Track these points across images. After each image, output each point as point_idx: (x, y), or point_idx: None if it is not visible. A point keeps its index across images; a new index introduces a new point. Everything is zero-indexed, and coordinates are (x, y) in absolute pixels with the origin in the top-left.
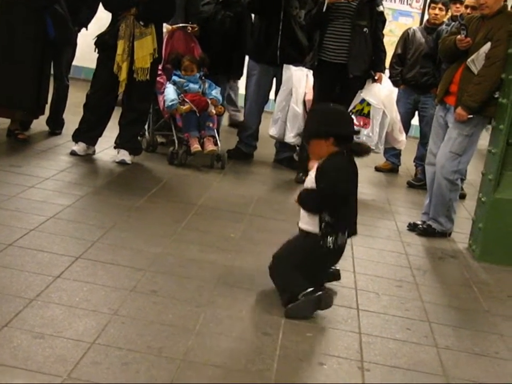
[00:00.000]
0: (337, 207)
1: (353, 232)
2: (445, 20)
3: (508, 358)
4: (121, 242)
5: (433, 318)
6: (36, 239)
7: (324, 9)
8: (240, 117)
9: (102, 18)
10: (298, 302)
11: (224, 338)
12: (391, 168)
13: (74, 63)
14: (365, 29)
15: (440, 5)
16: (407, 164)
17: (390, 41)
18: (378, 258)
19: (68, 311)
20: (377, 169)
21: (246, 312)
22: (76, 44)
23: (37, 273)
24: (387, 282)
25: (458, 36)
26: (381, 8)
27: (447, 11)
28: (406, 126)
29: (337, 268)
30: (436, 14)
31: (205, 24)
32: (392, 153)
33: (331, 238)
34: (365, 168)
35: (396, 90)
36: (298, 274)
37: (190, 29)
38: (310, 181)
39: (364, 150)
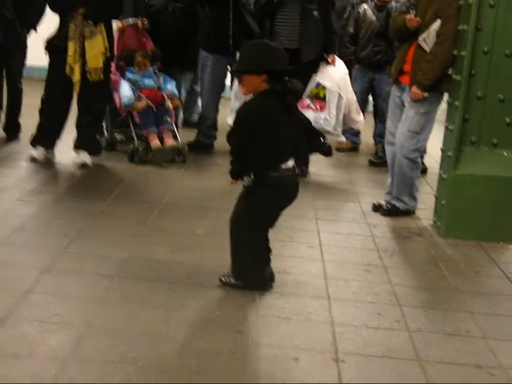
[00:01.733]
0: (241, 144)
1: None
2: None
3: (478, 335)
4: (87, 249)
5: (403, 301)
6: (1, 254)
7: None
8: None
9: (51, 20)
10: (243, 281)
11: (197, 341)
12: (352, 147)
13: (27, 63)
14: (315, 12)
15: None
16: (367, 140)
17: None
18: (345, 244)
19: (40, 327)
20: (338, 149)
21: (219, 312)
22: (26, 47)
23: (5, 290)
24: (356, 267)
25: (408, 16)
26: None
27: None
28: (363, 105)
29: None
30: None
31: (155, 18)
32: (352, 132)
33: (246, 178)
34: None
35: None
36: (248, 252)
37: (141, 24)
38: None
39: (295, 88)
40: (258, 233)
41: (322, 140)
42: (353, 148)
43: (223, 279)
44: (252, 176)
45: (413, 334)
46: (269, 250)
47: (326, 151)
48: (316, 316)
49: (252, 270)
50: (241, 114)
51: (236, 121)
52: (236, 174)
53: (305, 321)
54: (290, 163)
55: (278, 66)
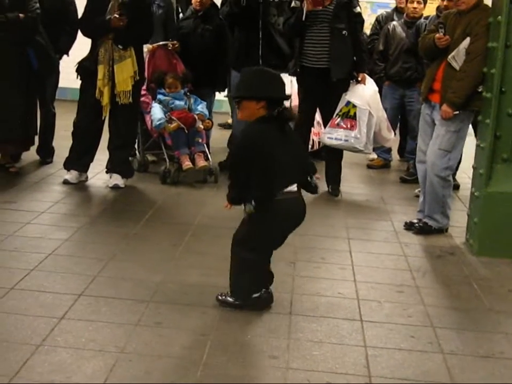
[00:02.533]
0: (241, 170)
1: (299, 180)
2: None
3: None
4: (121, 274)
5: (437, 322)
6: (36, 280)
7: (303, 18)
8: None
9: (83, 43)
10: (243, 303)
11: (231, 366)
12: (383, 164)
13: (59, 85)
14: (344, 32)
15: None
16: (398, 157)
17: None
18: (377, 264)
19: (75, 354)
20: (369, 166)
21: (251, 336)
22: (58, 71)
23: (41, 316)
24: (388, 288)
25: (437, 34)
26: (357, 9)
27: (425, 4)
28: (394, 122)
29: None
30: (415, 8)
31: (185, 40)
32: (383, 149)
33: (248, 205)
34: (357, 166)
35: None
36: (248, 272)
37: (171, 46)
38: None
39: (291, 115)
40: (260, 255)
41: (309, 179)
42: (385, 164)
43: (220, 297)
44: (253, 203)
45: (446, 356)
46: (270, 272)
47: (311, 191)
48: (349, 339)
49: (249, 290)
50: (241, 140)
51: (236, 147)
52: (233, 200)
53: (338, 345)
54: (294, 187)
55: (277, 94)
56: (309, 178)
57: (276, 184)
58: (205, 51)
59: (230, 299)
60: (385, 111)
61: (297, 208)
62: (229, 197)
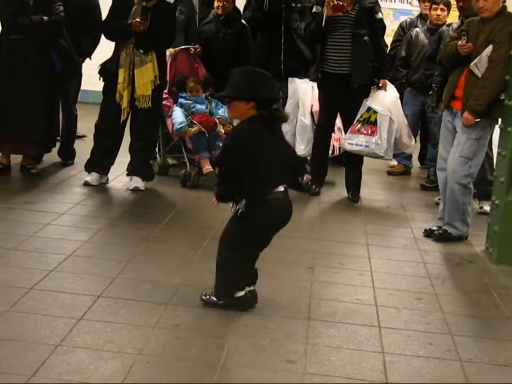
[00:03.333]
0: (229, 169)
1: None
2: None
3: None
4: (140, 275)
5: (455, 329)
6: (56, 280)
7: (323, 24)
8: None
9: (107, 46)
10: (227, 301)
11: (249, 370)
12: (403, 171)
13: (81, 87)
14: (366, 38)
15: (441, 5)
16: (418, 164)
17: None
18: (396, 270)
19: (93, 355)
20: (390, 173)
21: (269, 340)
22: (81, 74)
23: (60, 316)
24: (407, 295)
25: (459, 42)
26: (379, 15)
27: (449, 11)
28: (415, 129)
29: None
30: (438, 15)
31: (207, 44)
32: (404, 155)
33: (239, 203)
34: (377, 172)
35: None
36: (233, 271)
37: (193, 50)
38: None
39: (282, 116)
40: (245, 254)
41: (299, 179)
42: (405, 171)
43: (203, 297)
44: (244, 202)
45: (464, 364)
46: (254, 271)
47: (302, 190)
48: (367, 345)
49: (231, 290)
50: (230, 138)
51: (225, 145)
52: (221, 198)
53: (356, 351)
54: (281, 186)
55: (267, 95)
56: (299, 179)
57: (266, 183)
58: (227, 55)
59: (214, 298)
60: (406, 117)
61: (284, 209)
62: (217, 194)
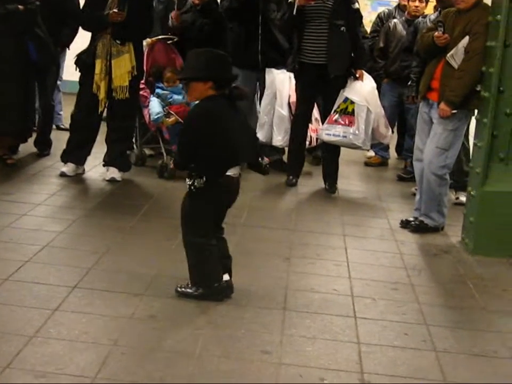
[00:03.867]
0: (188, 145)
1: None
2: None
3: (506, 356)
4: (116, 267)
5: (431, 320)
6: (31, 271)
7: (295, 13)
8: None
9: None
10: (202, 291)
11: (224, 360)
12: (380, 162)
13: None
14: (342, 28)
15: None
16: (395, 155)
17: None
18: (373, 261)
19: (68, 346)
20: (367, 164)
21: (245, 331)
22: (59, 64)
23: (35, 307)
24: (383, 285)
25: (436, 33)
26: (356, 5)
27: (427, 3)
28: (392, 120)
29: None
30: (417, 6)
31: (184, 33)
32: (381, 146)
33: (197, 180)
34: (354, 163)
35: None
36: (204, 263)
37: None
38: None
39: (242, 94)
40: (208, 234)
41: (260, 160)
42: (382, 162)
43: (179, 289)
44: (204, 179)
45: (439, 354)
46: (228, 258)
47: (262, 172)
48: (342, 335)
49: (211, 278)
50: (191, 116)
51: (185, 123)
52: (179, 166)
53: (332, 341)
54: (237, 168)
55: (223, 74)
56: (260, 160)
57: (227, 160)
58: (204, 44)
59: (189, 290)
60: (384, 108)
61: (235, 186)
62: (174, 161)
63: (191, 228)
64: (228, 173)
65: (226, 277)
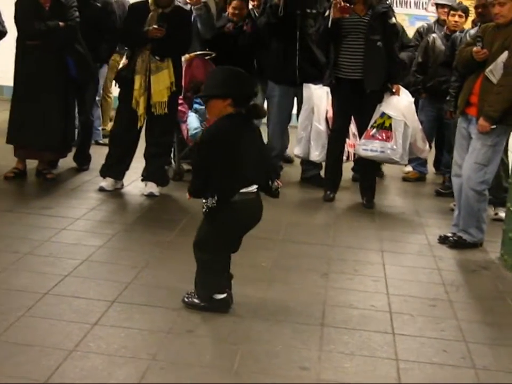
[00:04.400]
0: (203, 165)
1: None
2: (465, 26)
3: None
4: (155, 281)
5: (469, 337)
6: (71, 285)
7: (329, 25)
8: None
9: None
10: (208, 303)
11: (262, 376)
12: (418, 177)
13: None
14: (379, 43)
15: (459, 12)
16: (433, 170)
17: None
18: (411, 277)
19: (107, 360)
20: (405, 179)
21: (283, 347)
22: (97, 80)
23: (75, 321)
24: (421, 302)
25: (475, 48)
26: (393, 20)
27: (466, 18)
28: (430, 135)
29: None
30: (456, 21)
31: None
32: (419, 161)
33: (210, 199)
34: (392, 179)
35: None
36: (209, 277)
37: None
38: None
39: (261, 112)
40: (219, 255)
41: (270, 183)
42: (420, 177)
43: (186, 299)
44: (216, 198)
45: (479, 371)
46: (230, 274)
47: (271, 195)
48: (381, 352)
49: (210, 292)
50: (206, 135)
51: (200, 142)
52: (194, 193)
53: (370, 357)
54: (254, 187)
55: (242, 91)
56: (270, 183)
57: (237, 181)
58: (245, 59)
59: (196, 301)
60: (422, 123)
61: (254, 209)
62: (189, 188)
63: (201, 245)
64: (242, 191)
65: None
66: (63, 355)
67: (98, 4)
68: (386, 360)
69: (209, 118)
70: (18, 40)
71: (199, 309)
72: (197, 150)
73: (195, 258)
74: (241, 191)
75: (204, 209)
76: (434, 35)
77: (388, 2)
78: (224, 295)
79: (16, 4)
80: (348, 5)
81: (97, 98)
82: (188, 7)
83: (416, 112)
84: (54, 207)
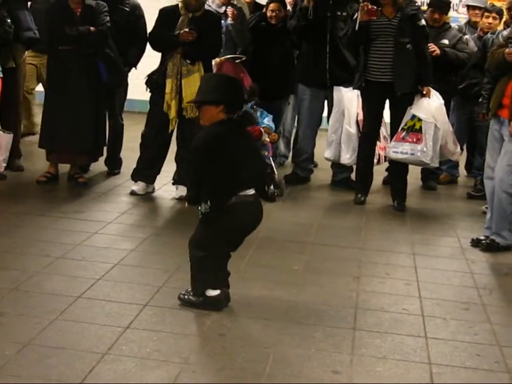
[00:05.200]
0: (198, 171)
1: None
2: (499, 28)
3: None
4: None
5: (503, 340)
6: (103, 289)
7: (357, 28)
8: None
9: (153, 56)
10: (202, 300)
11: (294, 380)
12: (450, 180)
13: (127, 96)
14: (408, 45)
15: (494, 14)
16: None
17: None
18: (443, 280)
19: (139, 363)
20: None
21: (315, 350)
22: (127, 84)
23: (107, 325)
24: (454, 305)
25: (507, 49)
26: (422, 22)
27: (500, 19)
28: (462, 137)
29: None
30: (490, 23)
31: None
32: (450, 164)
33: (203, 205)
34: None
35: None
36: (203, 271)
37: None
38: None
39: (251, 119)
40: (215, 254)
41: (266, 188)
42: (452, 180)
43: (181, 296)
44: (209, 203)
45: None
46: (227, 272)
47: (267, 199)
48: (413, 356)
49: (205, 288)
50: (199, 141)
51: (194, 148)
52: (192, 199)
53: (402, 361)
54: (251, 190)
55: (235, 98)
56: (266, 187)
57: (232, 186)
58: (280, 63)
59: (192, 298)
60: (453, 126)
61: (252, 212)
62: (188, 196)
63: (196, 244)
64: (233, 199)
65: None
66: (96, 358)
67: (127, 9)
68: (419, 364)
69: (202, 123)
70: (50, 46)
71: (192, 306)
72: (193, 155)
73: (189, 256)
74: (239, 194)
75: (199, 215)
76: (467, 36)
77: (417, 4)
78: (218, 292)
79: (47, 10)
80: (375, 7)
81: None
82: (223, 9)
83: (448, 114)
84: (85, 211)
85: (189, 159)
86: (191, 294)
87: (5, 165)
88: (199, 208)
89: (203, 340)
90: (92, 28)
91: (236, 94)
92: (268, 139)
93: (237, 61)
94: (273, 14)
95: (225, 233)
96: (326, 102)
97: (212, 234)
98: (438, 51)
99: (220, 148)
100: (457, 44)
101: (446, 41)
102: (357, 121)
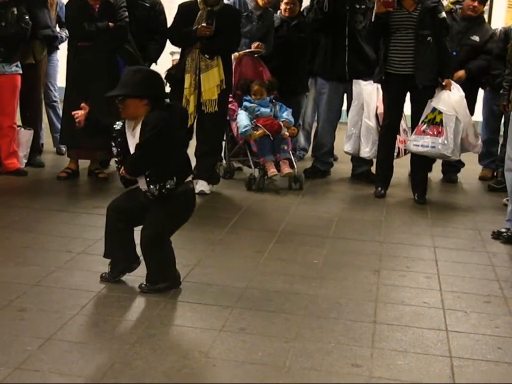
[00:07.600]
0: (156, 155)
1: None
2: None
3: None
4: (206, 279)
5: None
6: (123, 284)
7: (373, 19)
8: None
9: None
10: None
11: (314, 373)
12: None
13: None
14: (429, 38)
15: None
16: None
17: None
18: (464, 273)
19: (160, 358)
20: (481, 178)
21: (335, 344)
22: None
23: (128, 319)
24: (475, 298)
25: None
26: (443, 14)
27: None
28: (493, 129)
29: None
30: (474, 6)
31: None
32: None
33: (153, 187)
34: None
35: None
36: (160, 258)
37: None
38: (134, 144)
39: (183, 111)
40: (166, 240)
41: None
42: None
43: (142, 288)
44: (158, 187)
45: None
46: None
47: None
48: (434, 349)
49: (165, 273)
50: (157, 119)
51: (155, 125)
52: (136, 171)
53: (423, 355)
54: (190, 177)
55: (158, 92)
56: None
57: (180, 171)
58: (297, 58)
59: (151, 287)
60: (484, 118)
61: (193, 196)
62: (129, 167)
63: (159, 236)
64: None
65: None
66: (117, 354)
67: (147, 4)
68: (440, 358)
69: (122, 117)
70: (69, 42)
71: (161, 292)
72: (152, 132)
73: (150, 253)
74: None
75: (155, 193)
76: (500, 28)
77: None
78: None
79: (66, 6)
80: None
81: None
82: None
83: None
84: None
85: (147, 135)
86: (149, 283)
87: (25, 161)
88: (161, 186)
89: (223, 334)
90: (110, 24)
91: (159, 88)
92: (287, 133)
93: (255, 55)
94: (288, 7)
95: (179, 218)
96: (345, 95)
97: (168, 221)
98: (463, 76)
99: (172, 128)
100: (488, 43)
101: (476, 38)
102: (376, 115)
